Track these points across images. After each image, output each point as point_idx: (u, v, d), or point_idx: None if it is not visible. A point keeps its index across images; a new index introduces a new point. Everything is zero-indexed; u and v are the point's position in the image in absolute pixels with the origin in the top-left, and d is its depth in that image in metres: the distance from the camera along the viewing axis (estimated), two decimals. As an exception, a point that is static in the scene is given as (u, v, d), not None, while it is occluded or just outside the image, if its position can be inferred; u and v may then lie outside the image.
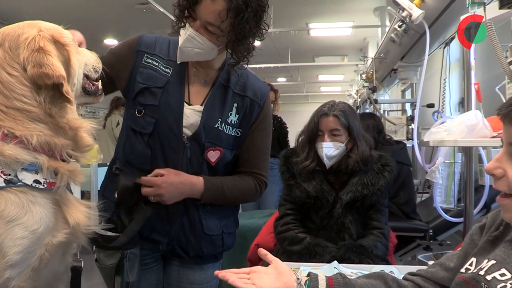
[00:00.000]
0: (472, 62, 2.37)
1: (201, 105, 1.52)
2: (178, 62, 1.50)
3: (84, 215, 1.15)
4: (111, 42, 8.44)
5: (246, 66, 1.56)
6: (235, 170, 1.61)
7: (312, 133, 2.09)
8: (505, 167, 0.99)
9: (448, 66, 3.57)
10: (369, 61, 5.65)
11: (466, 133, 2.00)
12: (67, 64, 1.13)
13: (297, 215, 2.12)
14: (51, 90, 1.08)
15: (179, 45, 1.45)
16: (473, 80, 2.28)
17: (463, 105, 2.58)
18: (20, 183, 1.03)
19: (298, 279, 1.18)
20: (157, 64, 1.51)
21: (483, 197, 2.66)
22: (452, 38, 3.63)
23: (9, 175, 1.03)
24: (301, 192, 2.06)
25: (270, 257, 1.26)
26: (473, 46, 2.45)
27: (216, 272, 1.20)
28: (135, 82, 1.50)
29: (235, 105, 1.55)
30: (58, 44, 1.12)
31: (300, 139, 2.19)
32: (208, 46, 1.43)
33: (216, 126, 1.51)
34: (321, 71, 12.50)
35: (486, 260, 1.06)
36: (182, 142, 1.49)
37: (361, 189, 2.02)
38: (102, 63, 1.37)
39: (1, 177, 1.03)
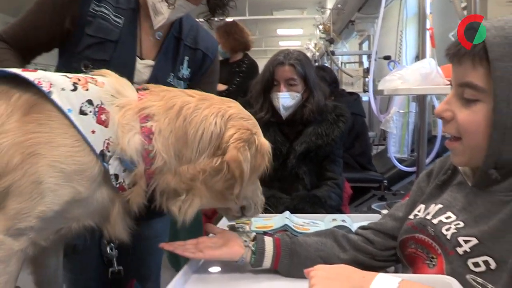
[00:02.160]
0: (428, 10, 2.35)
1: (153, 59, 1.42)
2: (156, 27, 1.38)
3: (125, 231, 1.10)
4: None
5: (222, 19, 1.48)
6: None
7: (268, 83, 2.03)
8: (454, 109, 0.96)
9: (405, 18, 3.55)
10: (327, 13, 5.58)
11: (420, 81, 1.99)
12: (252, 173, 1.08)
13: (250, 166, 2.08)
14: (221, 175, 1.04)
15: (166, 17, 1.34)
16: (427, 27, 2.26)
17: (419, 59, 2.57)
18: (106, 164, 0.97)
19: (245, 241, 1.17)
20: (107, 12, 1.35)
21: (435, 147, 2.71)
22: (409, -10, 3.60)
23: (109, 152, 0.97)
24: (254, 143, 2.02)
25: (217, 229, 1.25)
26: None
27: (161, 244, 1.19)
28: (83, 34, 1.33)
29: (187, 58, 1.47)
30: (263, 156, 1.09)
31: (254, 90, 2.12)
32: (190, 7, 1.37)
33: (168, 81, 1.43)
34: (280, 25, 12.33)
35: (433, 205, 1.05)
36: None
37: (315, 140, 1.99)
38: (34, 19, 1.28)
39: (103, 146, 0.96)
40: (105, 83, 1.02)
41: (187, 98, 1.05)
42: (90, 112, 0.96)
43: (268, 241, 1.17)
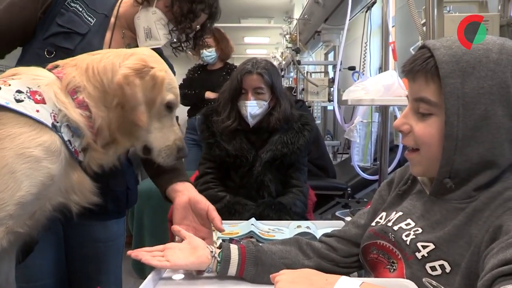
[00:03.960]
0: (390, 24, 2.43)
1: None
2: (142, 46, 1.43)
3: (92, 191, 1.16)
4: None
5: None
6: None
7: (235, 91, 2.05)
8: (411, 122, 1.02)
9: (369, 30, 3.64)
10: (294, 23, 5.66)
11: (382, 92, 2.05)
12: (149, 105, 1.15)
13: (217, 173, 2.09)
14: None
15: (162, 43, 1.43)
16: (390, 40, 2.34)
17: (383, 70, 2.65)
18: (60, 133, 1.04)
19: (211, 251, 1.18)
20: (81, 9, 1.40)
21: (397, 156, 2.79)
22: (374, 2, 3.70)
23: (58, 123, 1.05)
24: (221, 151, 2.03)
25: (183, 233, 1.25)
26: (391, 13, 2.52)
27: (129, 252, 1.20)
28: (52, 22, 1.37)
29: None
30: (157, 87, 1.15)
31: (221, 98, 2.14)
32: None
33: None
34: (247, 33, 12.39)
35: (394, 213, 1.10)
36: None
37: (281, 148, 2.02)
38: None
39: (52, 119, 1.04)
40: (21, 77, 1.08)
41: (93, 56, 1.15)
42: (25, 98, 1.02)
43: (234, 249, 1.19)
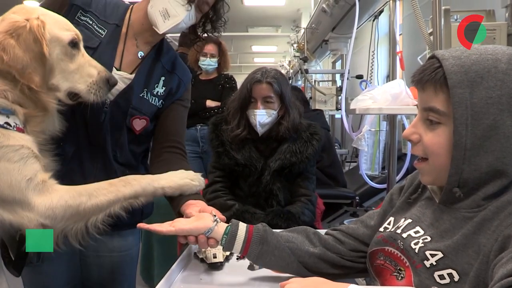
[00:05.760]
0: (398, 33, 2.45)
1: (130, 73, 1.46)
2: (162, 32, 1.44)
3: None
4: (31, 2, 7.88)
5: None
6: (157, 140, 1.56)
7: (245, 100, 2.07)
8: (421, 132, 1.02)
9: (377, 39, 3.65)
10: (301, 32, 5.69)
11: (390, 101, 2.07)
12: (41, 58, 1.10)
13: (226, 182, 2.11)
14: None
15: (182, 18, 1.41)
16: (397, 50, 2.35)
17: (390, 79, 2.66)
18: None
19: (214, 216, 1.24)
20: (91, 22, 1.41)
21: (405, 164, 2.79)
22: (381, 11, 3.71)
23: None
24: (230, 160, 2.05)
25: (194, 213, 1.30)
26: (398, 21, 2.54)
27: (139, 224, 1.27)
28: None
29: (163, 78, 1.52)
30: (39, 37, 1.09)
31: (231, 107, 2.16)
32: (196, 18, 1.47)
33: (141, 95, 1.48)
34: (255, 41, 12.47)
35: (403, 219, 1.10)
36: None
37: (290, 157, 2.03)
38: None
39: None
40: None
41: None
42: None
43: (242, 226, 1.24)
